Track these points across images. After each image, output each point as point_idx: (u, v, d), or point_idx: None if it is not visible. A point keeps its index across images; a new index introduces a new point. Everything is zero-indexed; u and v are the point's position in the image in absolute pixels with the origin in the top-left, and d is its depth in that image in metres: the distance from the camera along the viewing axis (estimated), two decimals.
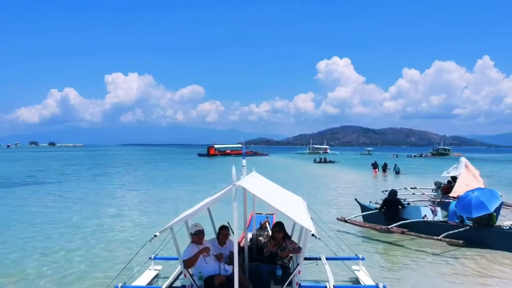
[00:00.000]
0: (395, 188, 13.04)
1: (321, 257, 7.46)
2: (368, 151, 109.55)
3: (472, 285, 7.37)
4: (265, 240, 7.10)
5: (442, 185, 15.41)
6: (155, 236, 4.97)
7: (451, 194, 12.83)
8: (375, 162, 39.29)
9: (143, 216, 14.66)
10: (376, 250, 9.84)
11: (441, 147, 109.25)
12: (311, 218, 5.92)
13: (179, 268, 6.63)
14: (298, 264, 5.41)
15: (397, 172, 36.33)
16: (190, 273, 5.42)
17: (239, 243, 6.37)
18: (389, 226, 10.72)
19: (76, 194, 21.53)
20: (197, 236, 5.70)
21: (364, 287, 6.46)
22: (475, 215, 9.63)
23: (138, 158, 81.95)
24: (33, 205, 17.27)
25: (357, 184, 27.40)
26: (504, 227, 9.66)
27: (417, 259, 8.98)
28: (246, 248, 6.03)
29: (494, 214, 10.00)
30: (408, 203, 12.64)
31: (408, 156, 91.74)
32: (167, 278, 6.58)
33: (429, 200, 14.01)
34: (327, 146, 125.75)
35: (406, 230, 10.52)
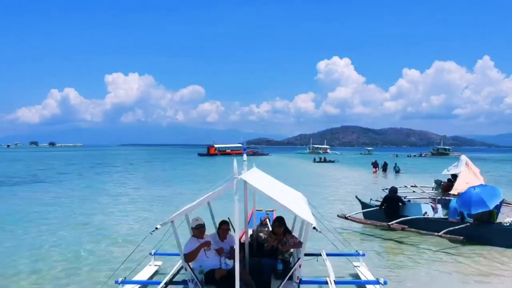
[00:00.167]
0: (395, 186, 13.04)
1: (322, 253, 7.47)
2: (368, 151, 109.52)
3: (472, 281, 7.37)
4: (266, 236, 7.09)
5: (442, 183, 15.42)
6: (157, 228, 4.99)
7: (451, 192, 12.84)
8: (376, 161, 39.28)
9: (144, 213, 14.69)
10: (376, 247, 9.85)
11: (441, 147, 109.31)
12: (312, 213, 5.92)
13: (179, 262, 6.64)
14: (299, 258, 5.41)
15: (397, 171, 36.36)
16: (191, 267, 5.43)
17: (239, 239, 6.37)
18: (390, 223, 10.73)
19: (76, 192, 21.56)
20: (198, 230, 5.71)
21: (365, 282, 6.48)
22: (474, 211, 9.64)
23: (138, 157, 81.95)
24: (34, 203, 17.29)
25: (357, 183, 27.41)
26: (505, 224, 9.67)
27: (418, 255, 8.99)
28: (247, 244, 6.04)
29: (495, 211, 10.02)
30: (409, 200, 12.65)
31: (408, 156, 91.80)
32: (167, 273, 6.58)
33: (429, 198, 14.02)
34: (327, 146, 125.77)
35: (407, 226, 10.52)
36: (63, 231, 11.63)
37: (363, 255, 7.58)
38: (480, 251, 9.15)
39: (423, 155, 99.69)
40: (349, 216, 11.88)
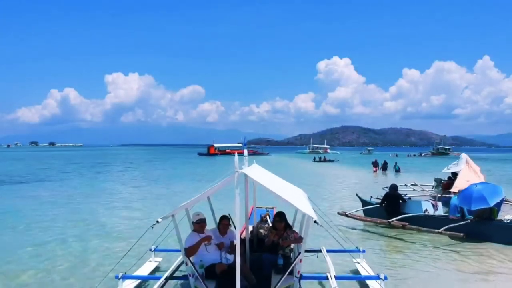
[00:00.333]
0: (395, 184, 13.03)
1: (322, 250, 7.47)
2: (368, 151, 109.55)
3: (472, 277, 7.36)
4: (266, 233, 7.09)
5: (442, 181, 15.41)
6: (157, 222, 4.99)
7: (452, 189, 12.82)
8: (376, 161, 39.26)
9: (144, 211, 14.70)
10: (376, 243, 9.85)
11: (441, 146, 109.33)
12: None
13: (180, 258, 6.64)
14: (299, 253, 5.41)
15: (397, 171, 36.35)
16: (192, 261, 5.43)
17: (240, 234, 6.37)
18: (390, 220, 10.73)
19: (77, 190, 21.55)
20: (199, 225, 5.72)
21: (366, 277, 6.48)
22: (474, 207, 9.65)
23: (138, 157, 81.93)
24: (35, 201, 17.28)
25: (358, 182, 27.38)
26: (505, 221, 9.67)
27: (418, 252, 8.99)
28: (247, 239, 6.04)
29: (495, 208, 10.02)
30: (409, 198, 12.65)
31: (408, 155, 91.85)
32: (167, 269, 6.58)
33: (429, 196, 14.02)
34: (327, 146, 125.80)
35: (407, 223, 10.53)
36: (64, 228, 11.66)
37: (364, 251, 7.58)
38: (480, 248, 9.15)
39: (423, 155, 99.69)
40: (350, 213, 11.89)
